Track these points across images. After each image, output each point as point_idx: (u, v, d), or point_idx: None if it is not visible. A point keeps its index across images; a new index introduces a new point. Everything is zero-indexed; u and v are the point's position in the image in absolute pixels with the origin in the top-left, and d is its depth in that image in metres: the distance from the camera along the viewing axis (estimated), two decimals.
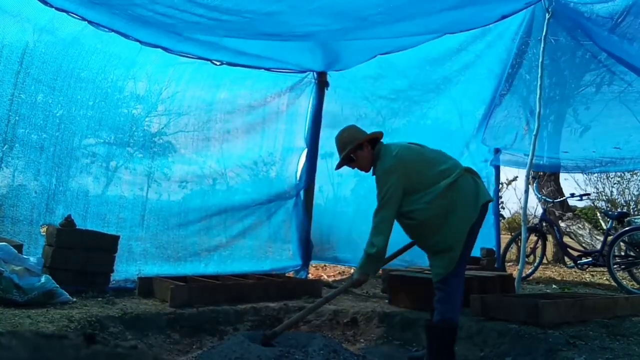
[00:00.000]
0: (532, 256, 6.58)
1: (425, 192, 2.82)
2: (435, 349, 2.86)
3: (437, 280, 2.85)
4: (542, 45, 4.64)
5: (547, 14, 4.61)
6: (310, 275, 5.74)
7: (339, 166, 3.19)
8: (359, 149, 3.05)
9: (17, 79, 3.86)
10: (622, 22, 4.18)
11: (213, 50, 4.59)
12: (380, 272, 5.15)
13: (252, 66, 5.05)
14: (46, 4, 3.69)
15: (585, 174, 9.43)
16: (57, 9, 3.74)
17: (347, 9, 3.75)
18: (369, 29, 4.22)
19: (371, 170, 3.06)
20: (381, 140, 3.11)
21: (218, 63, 4.80)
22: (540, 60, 4.64)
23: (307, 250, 5.56)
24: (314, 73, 5.56)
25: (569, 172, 8.43)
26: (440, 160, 2.95)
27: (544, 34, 4.62)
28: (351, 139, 3.07)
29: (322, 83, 5.60)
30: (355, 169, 3.16)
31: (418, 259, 5.26)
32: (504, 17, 4.59)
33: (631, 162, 5.90)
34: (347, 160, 3.11)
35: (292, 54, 4.95)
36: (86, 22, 3.93)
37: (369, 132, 3.13)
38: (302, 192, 5.58)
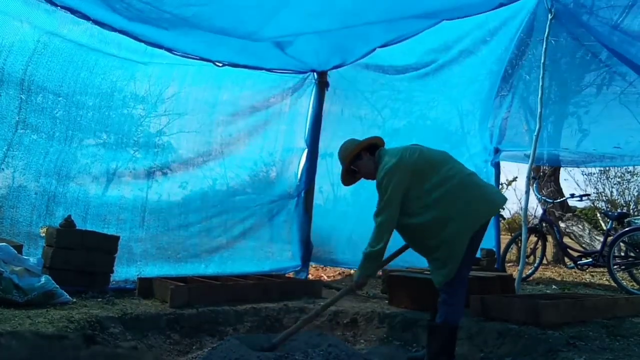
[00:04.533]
0: (532, 257, 6.57)
1: (425, 196, 2.77)
2: (436, 350, 2.85)
3: (439, 285, 2.83)
4: (544, 46, 4.61)
5: (549, 15, 4.59)
6: (310, 276, 5.74)
7: (345, 182, 3.15)
8: (358, 159, 3.03)
9: (20, 81, 3.85)
10: (624, 20, 4.18)
11: (215, 47, 4.54)
12: (381, 272, 5.14)
13: (254, 67, 5.04)
14: (52, 3, 3.69)
15: (584, 168, 9.41)
16: (61, 7, 3.74)
17: None
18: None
19: None
20: (382, 146, 3.08)
21: (220, 64, 4.78)
22: (542, 61, 4.62)
23: (307, 251, 5.56)
24: (315, 74, 5.55)
25: (568, 166, 8.43)
26: (443, 163, 2.87)
27: (546, 34, 4.60)
28: (347, 152, 3.05)
29: (322, 84, 5.60)
30: (362, 179, 3.12)
31: (418, 260, 5.25)
32: (502, 4, 4.56)
33: (631, 160, 5.90)
34: (350, 173, 3.09)
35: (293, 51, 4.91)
36: (90, 21, 3.92)
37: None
38: (302, 193, 5.59)
